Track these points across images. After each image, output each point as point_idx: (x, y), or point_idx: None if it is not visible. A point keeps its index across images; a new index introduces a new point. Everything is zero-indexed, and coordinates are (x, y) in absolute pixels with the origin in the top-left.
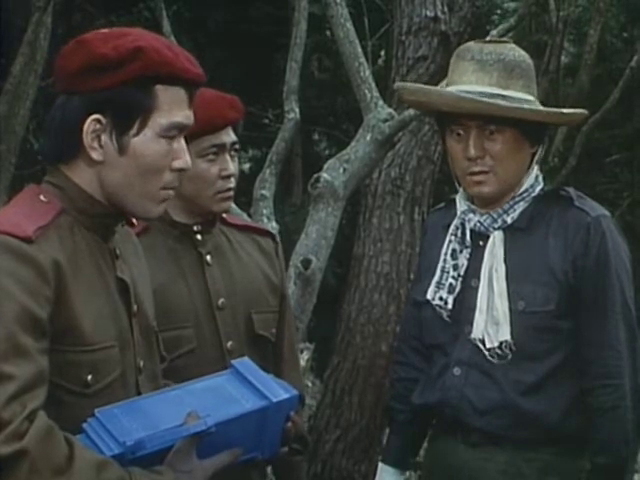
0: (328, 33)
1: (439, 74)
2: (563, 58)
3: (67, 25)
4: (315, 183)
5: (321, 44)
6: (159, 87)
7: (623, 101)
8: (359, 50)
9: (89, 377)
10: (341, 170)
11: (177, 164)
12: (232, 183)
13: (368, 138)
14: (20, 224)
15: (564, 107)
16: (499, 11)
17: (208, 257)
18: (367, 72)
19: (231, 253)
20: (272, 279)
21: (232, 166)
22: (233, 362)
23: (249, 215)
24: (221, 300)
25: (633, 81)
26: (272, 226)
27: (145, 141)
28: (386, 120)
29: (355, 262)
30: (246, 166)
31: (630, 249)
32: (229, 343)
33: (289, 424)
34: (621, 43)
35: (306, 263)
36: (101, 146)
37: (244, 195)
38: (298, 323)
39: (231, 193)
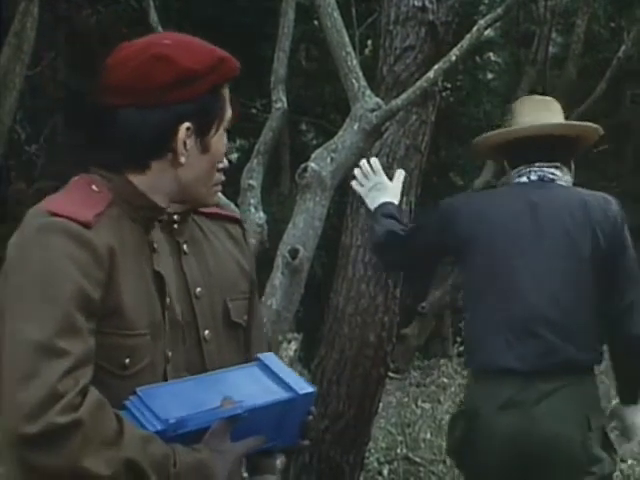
0: (316, 22)
1: (426, 64)
2: (551, 48)
3: (54, 15)
4: (302, 173)
5: (309, 33)
6: (224, 89)
7: (610, 91)
8: (346, 39)
9: (127, 360)
10: (328, 160)
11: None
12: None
13: (355, 128)
14: (79, 210)
15: (553, 96)
16: (487, 1)
17: (185, 246)
18: (354, 61)
19: (204, 241)
20: (243, 265)
21: None
22: (259, 355)
23: (237, 205)
24: (198, 289)
25: (620, 71)
26: (259, 216)
27: (219, 137)
28: (373, 110)
29: (343, 252)
30: (234, 156)
31: None
32: (206, 332)
33: (310, 417)
34: (608, 33)
35: (293, 253)
36: (186, 150)
37: (231, 185)
38: (286, 313)
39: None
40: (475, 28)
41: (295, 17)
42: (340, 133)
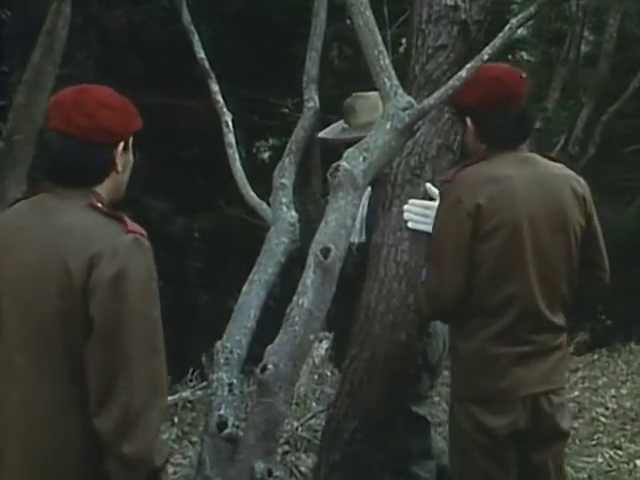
0: (348, 22)
1: (458, 63)
2: (583, 47)
3: (85, 15)
4: (334, 172)
5: (341, 32)
6: None
7: None
8: (379, 38)
9: None
10: (360, 159)
11: None
12: None
13: (388, 126)
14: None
15: (583, 96)
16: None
17: None
18: (387, 60)
19: None
20: None
21: None
22: None
23: (268, 204)
24: None
25: None
26: (291, 214)
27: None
28: (405, 108)
29: (374, 251)
30: (265, 155)
31: None
32: None
33: None
34: None
35: (325, 252)
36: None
37: (264, 184)
38: (317, 312)
39: None
40: (507, 27)
41: (328, 16)
42: (372, 132)
